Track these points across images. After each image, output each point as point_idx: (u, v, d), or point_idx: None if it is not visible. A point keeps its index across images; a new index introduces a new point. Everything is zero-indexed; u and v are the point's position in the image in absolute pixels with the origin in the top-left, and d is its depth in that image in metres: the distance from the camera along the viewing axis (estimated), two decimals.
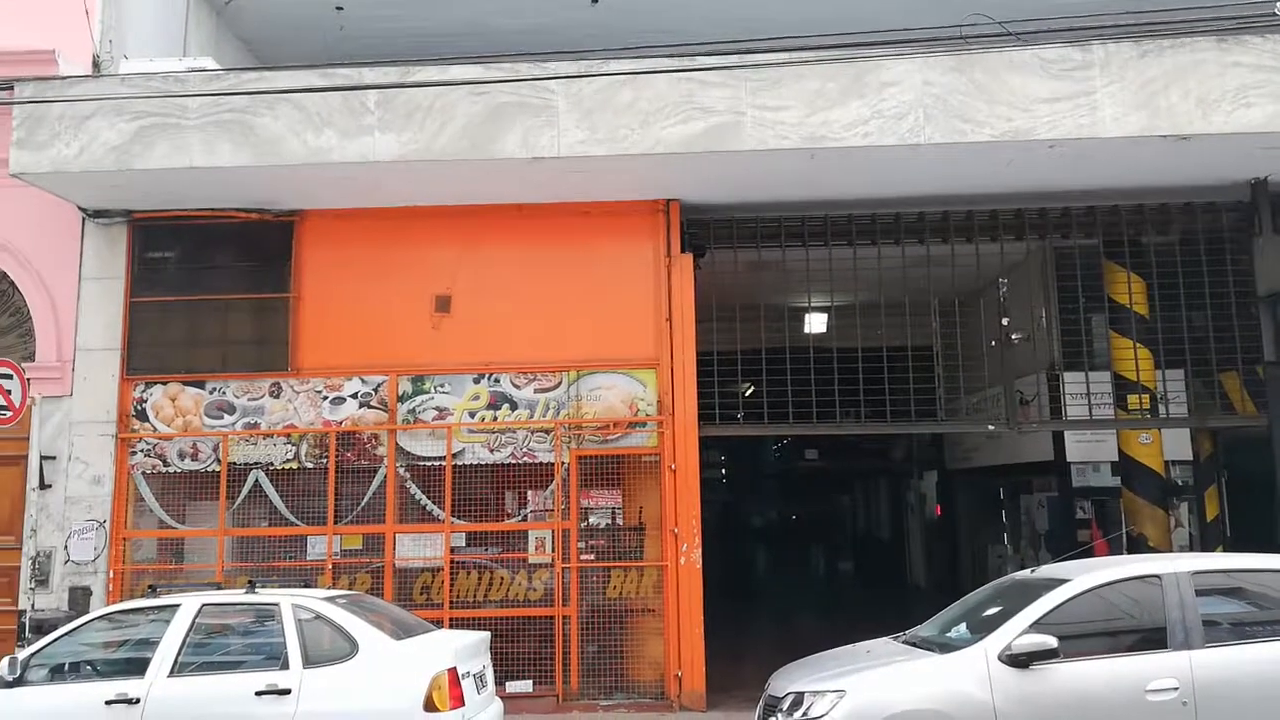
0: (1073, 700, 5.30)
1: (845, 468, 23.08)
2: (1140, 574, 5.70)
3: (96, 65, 9.03)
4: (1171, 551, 9.38)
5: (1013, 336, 9.70)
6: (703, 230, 9.44)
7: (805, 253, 9.45)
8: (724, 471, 26.32)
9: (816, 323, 10.24)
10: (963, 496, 15.69)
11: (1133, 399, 9.54)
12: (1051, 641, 5.31)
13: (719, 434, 9.61)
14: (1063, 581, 5.71)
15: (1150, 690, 5.26)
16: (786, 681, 5.87)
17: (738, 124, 7.99)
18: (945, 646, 5.79)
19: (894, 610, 14.30)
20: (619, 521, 8.95)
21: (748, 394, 10.03)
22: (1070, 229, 9.56)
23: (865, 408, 9.30)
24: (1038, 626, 5.43)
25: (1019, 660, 5.34)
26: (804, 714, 5.47)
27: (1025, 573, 6.60)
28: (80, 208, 9.10)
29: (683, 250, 9.12)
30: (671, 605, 8.59)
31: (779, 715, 5.64)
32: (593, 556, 8.82)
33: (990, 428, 10.00)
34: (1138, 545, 9.49)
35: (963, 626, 6.10)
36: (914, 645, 6.10)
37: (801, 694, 5.58)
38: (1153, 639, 5.47)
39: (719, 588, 9.85)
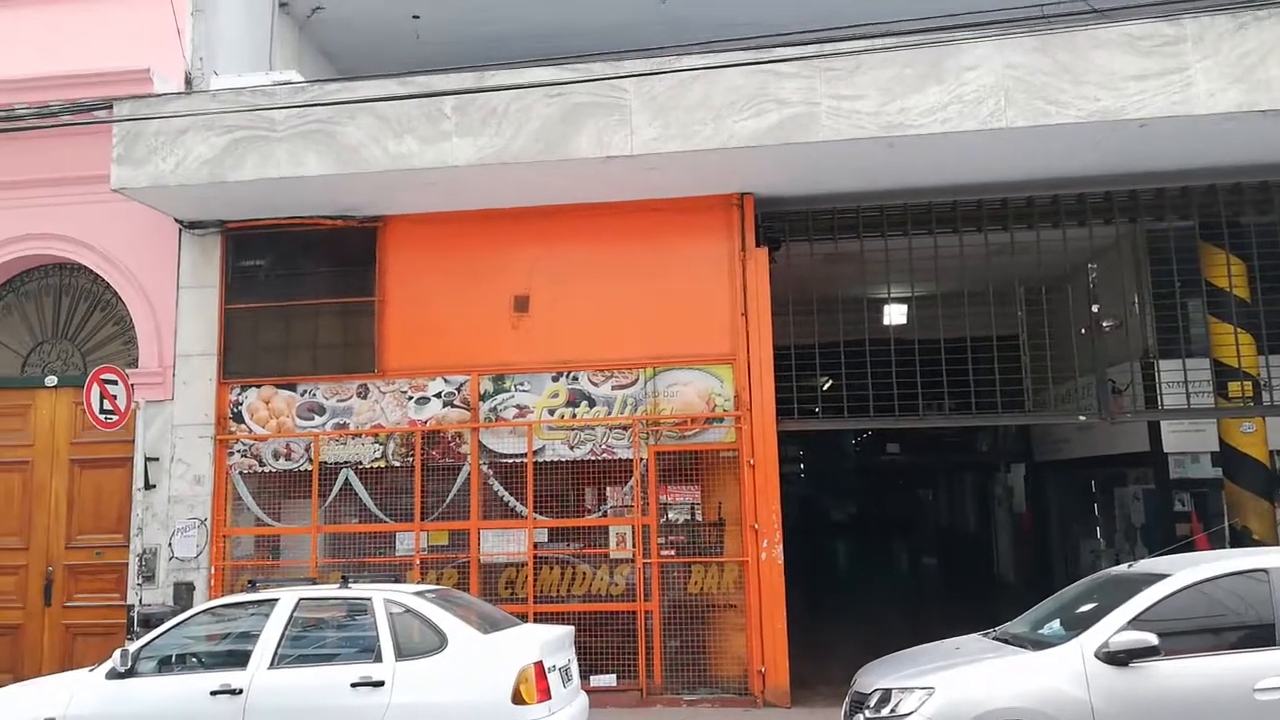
0: (1175, 699, 5.12)
1: (928, 461, 22.62)
2: (1246, 568, 5.48)
3: (189, 82, 9.41)
4: (1278, 545, 8.94)
5: (1104, 324, 9.37)
6: (778, 223, 9.36)
7: (884, 243, 9.30)
8: (802, 466, 26.05)
9: (896, 314, 10.06)
10: (1053, 490, 15.22)
11: (1234, 386, 9.13)
12: (1152, 638, 5.15)
13: (797, 429, 9.52)
14: (1162, 577, 5.52)
15: (1259, 689, 5.05)
16: (873, 678, 5.81)
17: (812, 115, 7.90)
18: (1038, 643, 5.65)
19: (981, 607, 13.97)
20: (698, 517, 8.95)
21: (826, 388, 9.91)
22: (1164, 210, 9.19)
23: (949, 400, 9.11)
24: (1136, 623, 5.27)
25: (1117, 658, 5.18)
26: (892, 711, 5.40)
27: (1122, 568, 6.39)
28: (177, 220, 9.50)
29: (758, 244, 9.07)
30: (753, 601, 8.56)
31: (865, 712, 5.58)
32: (673, 552, 8.84)
33: (1081, 418, 9.69)
34: (1241, 539, 9.08)
35: (1056, 623, 5.94)
36: (1005, 642, 5.97)
37: (889, 690, 5.51)
38: (1260, 636, 5.25)
39: (800, 584, 9.78)
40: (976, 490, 21.33)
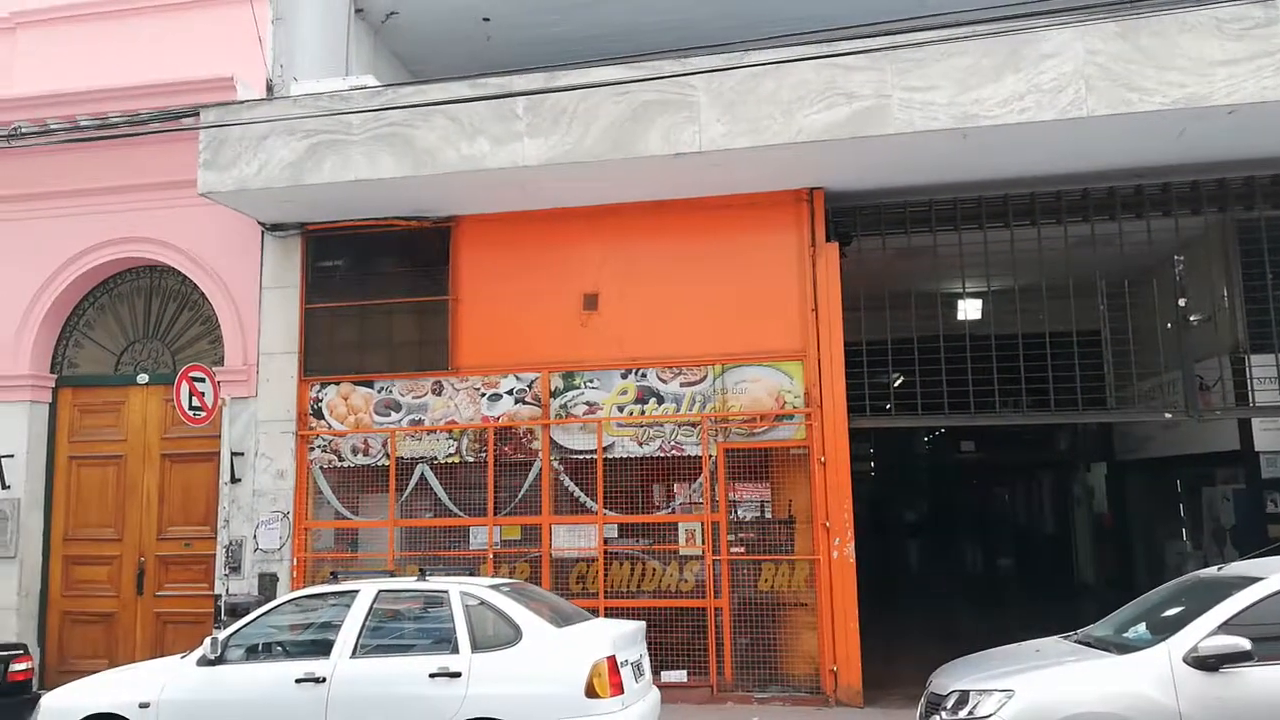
0: (1268, 706, 4.93)
1: (1004, 460, 22.08)
2: None
3: (270, 88, 9.70)
4: None
5: (1191, 317, 9.05)
6: (848, 218, 9.26)
7: (958, 236, 9.13)
8: (872, 464, 25.66)
9: (972, 309, 9.86)
10: (1135, 489, 14.73)
11: None
12: (1244, 643, 4.96)
13: (870, 426, 9.41)
14: (1255, 580, 5.32)
15: None
16: (950, 679, 5.71)
17: (884, 107, 7.80)
18: (1123, 647, 5.50)
19: (1060, 609, 13.62)
20: (768, 514, 8.91)
21: (897, 384, 9.76)
22: (1254, 199, 8.84)
23: (1027, 397, 8.91)
24: (1227, 627, 5.09)
25: (1207, 663, 5.01)
26: (969, 713, 5.31)
27: (1211, 570, 6.17)
28: (259, 222, 9.81)
29: (828, 239, 8.99)
30: (825, 599, 8.49)
31: (942, 714, 5.49)
32: (743, 549, 8.82)
33: (1167, 416, 9.36)
34: None
35: (1141, 627, 5.77)
36: (1087, 645, 5.82)
37: (966, 692, 5.42)
38: None
39: (871, 583, 9.64)
40: (1055, 489, 20.76)
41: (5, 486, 10.02)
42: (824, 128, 7.88)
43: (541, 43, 11.43)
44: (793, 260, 8.98)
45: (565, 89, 8.33)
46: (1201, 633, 5.10)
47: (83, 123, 9.84)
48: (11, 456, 10.06)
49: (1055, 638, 6.30)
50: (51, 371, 10.46)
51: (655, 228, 9.30)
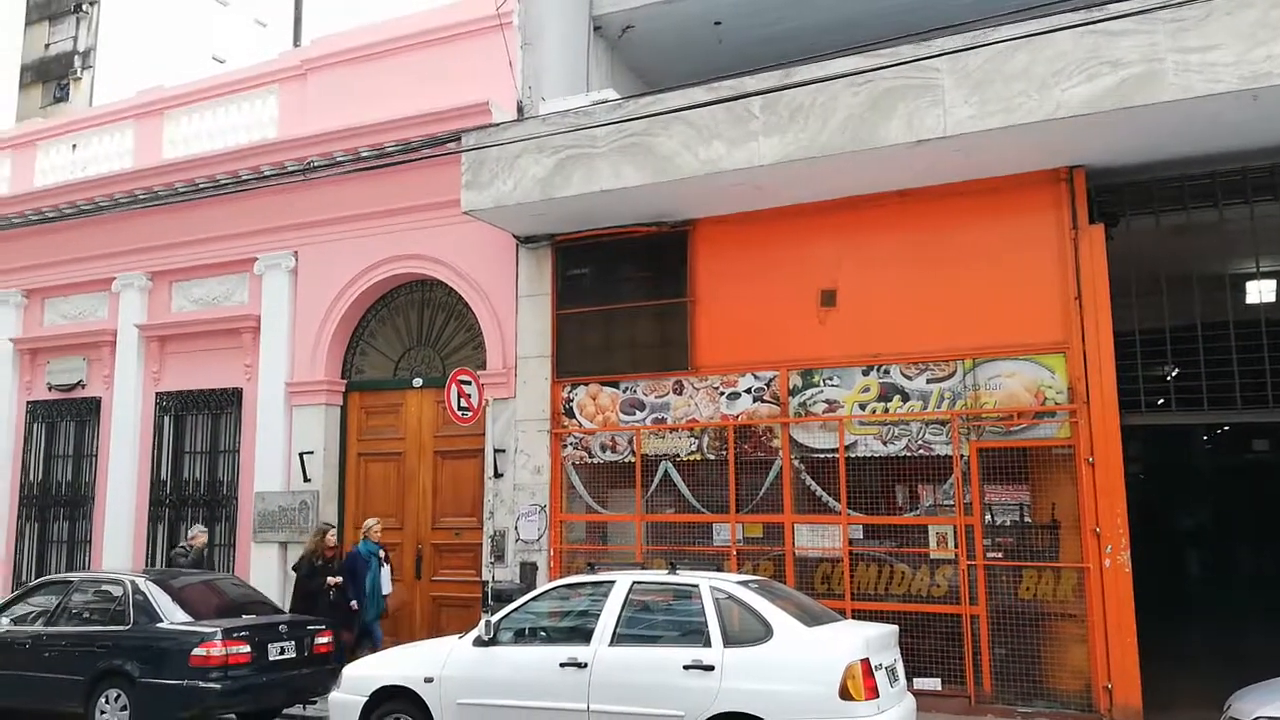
0: None
1: None
2: None
3: (520, 110, 10.34)
4: None
5: None
6: (1114, 196, 8.52)
7: (1249, 210, 8.15)
8: (1141, 465, 23.38)
9: (1268, 290, 8.76)
10: None
11: None
12: None
13: (1145, 423, 8.61)
14: None
15: None
16: (1254, 703, 5.14)
17: (1155, 73, 7.12)
18: None
19: None
20: (1028, 518, 8.39)
21: (1173, 376, 8.86)
22: None
23: None
24: None
25: None
26: None
27: None
28: (514, 235, 10.50)
29: (1091, 221, 8.33)
30: (1096, 611, 7.87)
31: None
32: (1000, 554, 8.36)
33: None
34: None
35: None
36: None
37: (1275, 719, 4.84)
38: None
39: (1146, 595, 8.77)
40: None
41: (306, 480, 11.37)
42: (1085, 100, 7.31)
43: (772, 41, 11.39)
44: (1051, 245, 8.40)
45: (801, 84, 8.26)
46: None
47: (363, 153, 10.97)
48: (311, 453, 11.40)
49: None
50: (342, 377, 11.75)
51: (895, 219, 9.02)
